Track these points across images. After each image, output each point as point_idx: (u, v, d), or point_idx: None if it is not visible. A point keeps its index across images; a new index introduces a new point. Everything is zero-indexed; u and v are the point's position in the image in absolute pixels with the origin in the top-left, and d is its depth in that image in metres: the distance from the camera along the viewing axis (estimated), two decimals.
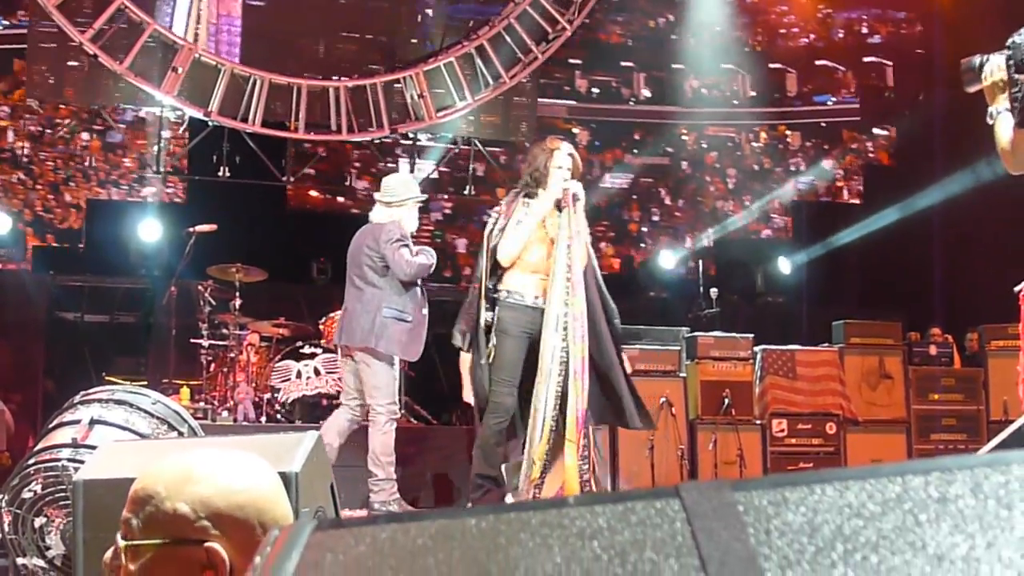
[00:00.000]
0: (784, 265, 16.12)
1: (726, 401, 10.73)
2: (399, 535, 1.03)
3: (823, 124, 18.25)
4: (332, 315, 11.65)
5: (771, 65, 17.91)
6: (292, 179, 15.69)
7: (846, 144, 18.25)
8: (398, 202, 8.77)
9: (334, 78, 15.05)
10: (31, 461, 5.15)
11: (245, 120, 14.43)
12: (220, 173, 14.62)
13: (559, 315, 7.27)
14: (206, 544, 2.04)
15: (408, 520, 1.04)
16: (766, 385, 11.11)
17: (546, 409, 7.22)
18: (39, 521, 5.04)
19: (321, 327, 12.13)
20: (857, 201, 17.99)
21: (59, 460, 5.09)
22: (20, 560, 5.05)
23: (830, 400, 11.19)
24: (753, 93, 17.96)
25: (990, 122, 5.23)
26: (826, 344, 11.70)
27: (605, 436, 10.46)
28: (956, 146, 15.54)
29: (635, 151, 17.72)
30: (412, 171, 15.27)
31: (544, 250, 7.54)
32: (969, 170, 14.43)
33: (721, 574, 0.93)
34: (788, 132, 18.21)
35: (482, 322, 7.47)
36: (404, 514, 1.06)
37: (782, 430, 10.98)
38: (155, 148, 15.15)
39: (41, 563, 5.05)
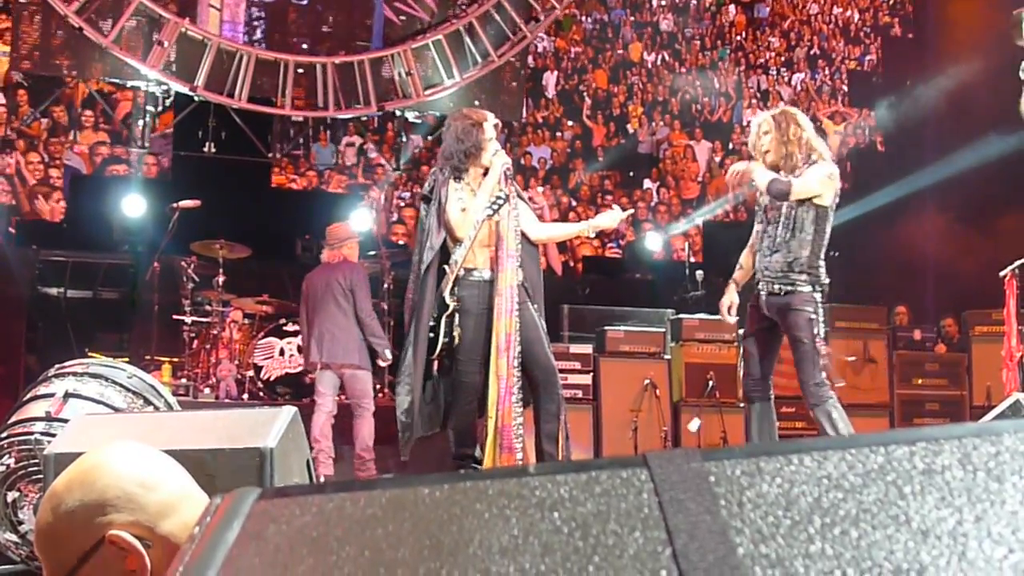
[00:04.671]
0: None
1: (710, 383, 10.69)
2: (348, 504, 0.97)
3: None
4: None
5: None
6: (278, 155, 15.64)
7: None
8: (339, 243, 10.47)
9: (321, 55, 14.98)
10: (4, 435, 5.09)
11: (231, 95, 14.36)
12: (205, 149, 14.56)
13: (512, 288, 7.21)
14: (107, 535, 2.05)
15: (358, 489, 0.98)
16: None
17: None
18: (12, 495, 4.98)
19: None
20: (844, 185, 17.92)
21: (32, 433, 5.03)
22: None
23: None
24: None
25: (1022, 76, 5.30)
26: None
27: (588, 417, 10.44)
28: (946, 131, 15.56)
29: None
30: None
31: (489, 224, 7.42)
32: (958, 154, 14.44)
33: (689, 548, 0.87)
34: None
35: (450, 305, 7.34)
36: (354, 483, 1.00)
37: None
38: (140, 123, 15.07)
39: (14, 537, 4.99)
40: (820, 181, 7.38)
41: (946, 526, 0.86)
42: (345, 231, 10.82)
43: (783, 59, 17.80)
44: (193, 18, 14.49)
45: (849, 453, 0.92)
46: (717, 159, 17.52)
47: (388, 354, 10.32)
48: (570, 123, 17.11)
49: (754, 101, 17.77)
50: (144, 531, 2.05)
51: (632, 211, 8.63)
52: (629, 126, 17.46)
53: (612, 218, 7.84)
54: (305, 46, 15.23)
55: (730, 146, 17.78)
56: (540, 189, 16.64)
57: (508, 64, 15.52)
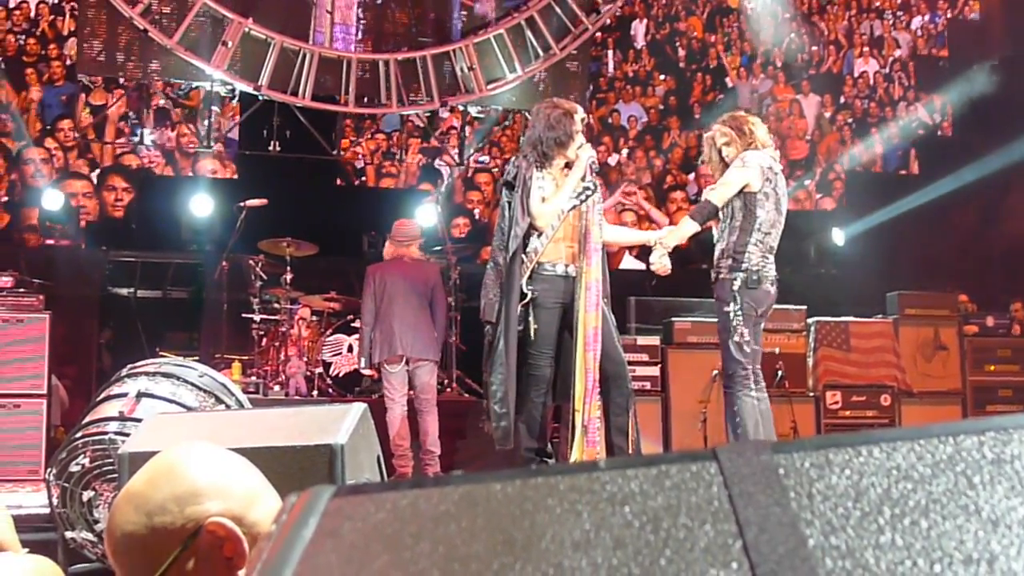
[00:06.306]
0: (838, 236, 15.92)
1: (779, 373, 10.61)
2: (421, 501, 0.98)
3: None
4: None
5: None
6: (343, 153, 15.73)
7: None
8: (408, 241, 10.46)
9: (384, 51, 15.03)
10: (79, 435, 5.16)
11: (295, 94, 14.45)
12: (270, 147, 14.65)
13: (598, 282, 7.26)
14: (207, 522, 2.04)
15: (431, 486, 0.99)
16: (819, 357, 10.99)
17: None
18: (87, 494, 5.05)
19: None
20: (912, 172, 17.66)
21: (106, 433, 5.10)
22: (69, 533, 5.06)
23: (884, 372, 11.07)
24: None
25: None
26: (880, 316, 11.57)
27: (657, 409, 10.42)
28: (1013, 116, 15.36)
29: None
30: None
31: (567, 219, 7.44)
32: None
33: (760, 540, 0.88)
34: None
35: (527, 295, 7.37)
36: (427, 479, 1.02)
37: (836, 402, 10.86)
38: (206, 123, 15.20)
39: (90, 536, 5.05)
40: (733, 178, 7.57)
41: (1016, 515, 0.86)
42: (414, 229, 10.82)
43: (899, 1, 16.27)
44: (307, 27, 14.59)
45: (918, 444, 0.92)
46: (827, 115, 16.09)
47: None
48: (662, 77, 15.93)
49: (866, 49, 16.46)
50: (235, 520, 2.05)
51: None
52: (728, 79, 16.26)
53: (681, 236, 7.94)
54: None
55: (841, 100, 16.40)
56: (625, 152, 15.52)
57: (570, 56, 15.47)
